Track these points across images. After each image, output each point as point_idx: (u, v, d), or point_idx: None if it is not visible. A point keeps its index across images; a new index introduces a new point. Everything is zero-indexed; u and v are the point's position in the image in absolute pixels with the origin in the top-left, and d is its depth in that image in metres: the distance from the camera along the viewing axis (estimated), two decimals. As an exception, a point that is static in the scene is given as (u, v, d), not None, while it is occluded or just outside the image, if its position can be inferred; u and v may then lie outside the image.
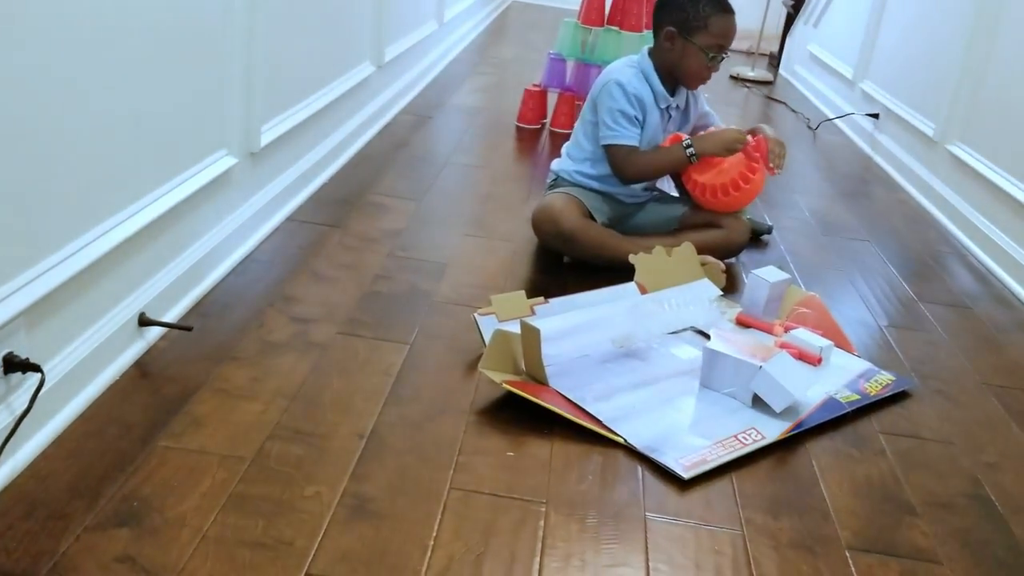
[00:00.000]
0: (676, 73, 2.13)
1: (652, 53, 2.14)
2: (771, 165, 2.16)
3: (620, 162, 2.09)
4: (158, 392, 1.41)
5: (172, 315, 1.60)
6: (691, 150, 2.10)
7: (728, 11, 2.10)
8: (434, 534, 1.18)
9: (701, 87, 2.21)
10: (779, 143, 2.18)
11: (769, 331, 1.81)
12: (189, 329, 1.56)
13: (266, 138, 1.96)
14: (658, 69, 2.12)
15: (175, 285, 1.61)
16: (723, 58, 2.11)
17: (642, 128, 2.11)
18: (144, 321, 1.49)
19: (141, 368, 1.46)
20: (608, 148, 2.09)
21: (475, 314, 1.67)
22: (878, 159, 3.46)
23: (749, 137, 2.14)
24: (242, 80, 1.81)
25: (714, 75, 2.18)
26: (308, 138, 2.29)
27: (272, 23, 1.92)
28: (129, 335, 1.46)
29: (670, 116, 2.18)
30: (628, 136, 2.08)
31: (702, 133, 2.18)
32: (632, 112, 2.08)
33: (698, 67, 2.10)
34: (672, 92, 2.15)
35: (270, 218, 2.06)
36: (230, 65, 1.75)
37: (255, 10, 1.80)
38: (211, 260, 1.75)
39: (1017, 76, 2.55)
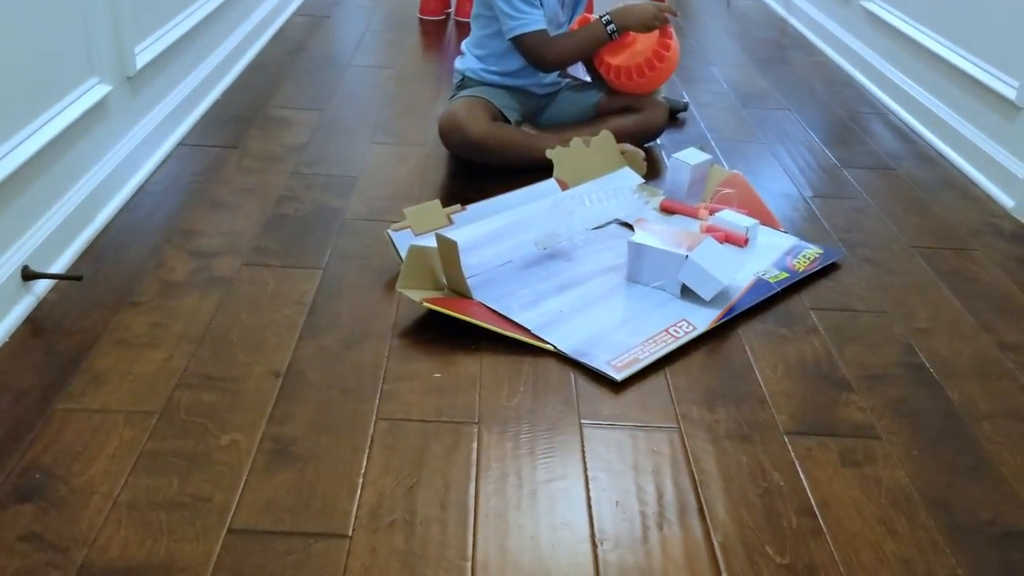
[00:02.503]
0: None
1: None
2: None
3: (537, 49, 1.97)
4: (52, 350, 1.31)
5: (61, 264, 1.48)
6: (612, 27, 2.00)
7: None
8: (362, 471, 1.13)
9: None
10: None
11: (694, 215, 1.76)
12: (79, 279, 1.44)
13: (142, 59, 1.81)
14: None
15: (60, 231, 1.49)
16: None
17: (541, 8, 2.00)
18: (29, 275, 1.38)
19: (32, 326, 1.36)
20: (518, 40, 1.96)
21: (389, 230, 1.58)
22: (793, 21, 3.39)
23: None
24: (105, -3, 1.65)
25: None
26: (191, 54, 2.13)
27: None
28: (13, 292, 1.35)
29: None
30: (534, 20, 1.95)
31: (620, 7, 2.06)
32: None
33: None
34: None
35: (159, 146, 1.91)
36: (88, -19, 1.59)
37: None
38: (97, 199, 1.62)
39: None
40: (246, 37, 2.53)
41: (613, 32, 2.00)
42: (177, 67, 2.04)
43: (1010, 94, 1.99)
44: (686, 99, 2.43)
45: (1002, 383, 1.39)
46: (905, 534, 1.09)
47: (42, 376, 1.25)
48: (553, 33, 2.02)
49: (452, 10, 3.19)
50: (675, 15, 2.02)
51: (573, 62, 2.10)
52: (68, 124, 1.50)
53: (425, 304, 1.41)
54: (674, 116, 2.31)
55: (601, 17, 2.00)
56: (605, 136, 1.90)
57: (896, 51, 2.57)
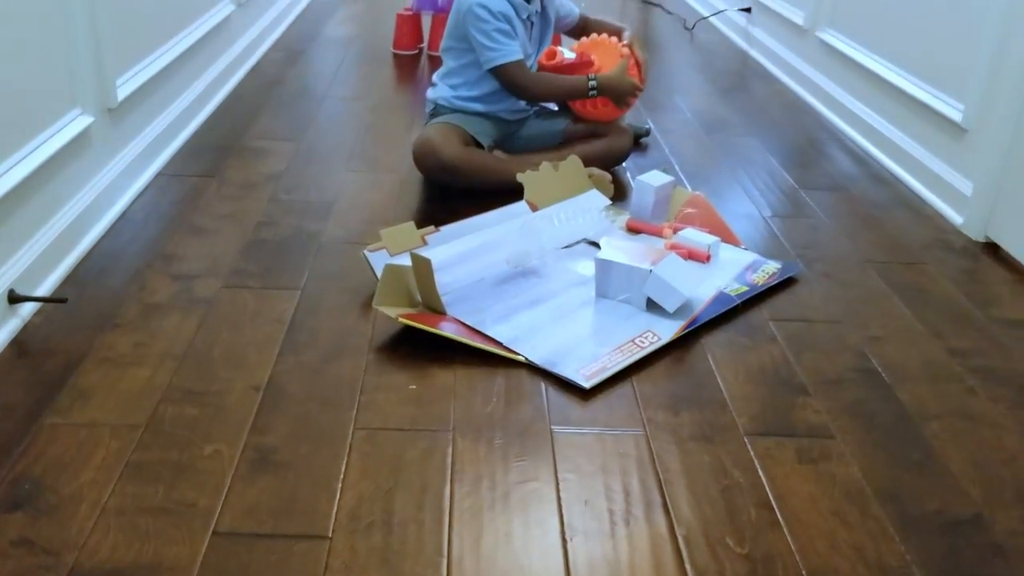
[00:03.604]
0: None
1: None
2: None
3: (515, 78, 2.05)
4: (39, 369, 1.35)
5: (45, 288, 1.53)
6: (593, 92, 2.08)
7: None
8: (341, 476, 1.18)
9: None
10: (644, 61, 2.19)
11: (659, 234, 1.84)
12: (64, 301, 1.49)
13: (123, 91, 1.87)
14: None
15: (44, 256, 1.53)
16: None
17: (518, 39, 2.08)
18: (14, 298, 1.42)
19: (18, 347, 1.40)
20: (498, 70, 2.04)
21: (365, 251, 1.64)
22: (754, 53, 3.50)
23: (623, 51, 2.14)
24: (87, 32, 1.71)
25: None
26: (171, 87, 2.19)
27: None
28: (0, 315, 1.39)
29: (532, 23, 2.15)
30: (512, 51, 2.04)
31: (607, 76, 2.10)
32: (506, 27, 2.04)
33: None
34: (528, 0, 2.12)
35: (140, 175, 1.97)
36: (72, 17, 1.65)
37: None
38: (80, 226, 1.67)
39: (876, -43, 2.59)
40: (224, 71, 2.60)
41: (593, 95, 2.09)
42: (157, 99, 2.10)
43: (956, 116, 2.09)
44: (649, 125, 2.52)
45: (950, 385, 1.46)
46: (857, 524, 1.16)
47: (30, 393, 1.30)
48: (528, 56, 2.12)
49: (424, 44, 3.28)
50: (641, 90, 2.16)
51: (546, 99, 2.19)
52: (52, 154, 1.56)
53: (401, 320, 1.47)
54: (638, 141, 2.40)
55: (589, 78, 2.08)
56: (573, 160, 1.97)
57: (850, 79, 2.68)
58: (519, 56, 2.04)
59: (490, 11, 2.03)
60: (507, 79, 2.05)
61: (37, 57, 1.54)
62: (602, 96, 2.10)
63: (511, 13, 2.06)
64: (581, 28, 2.32)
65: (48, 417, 1.25)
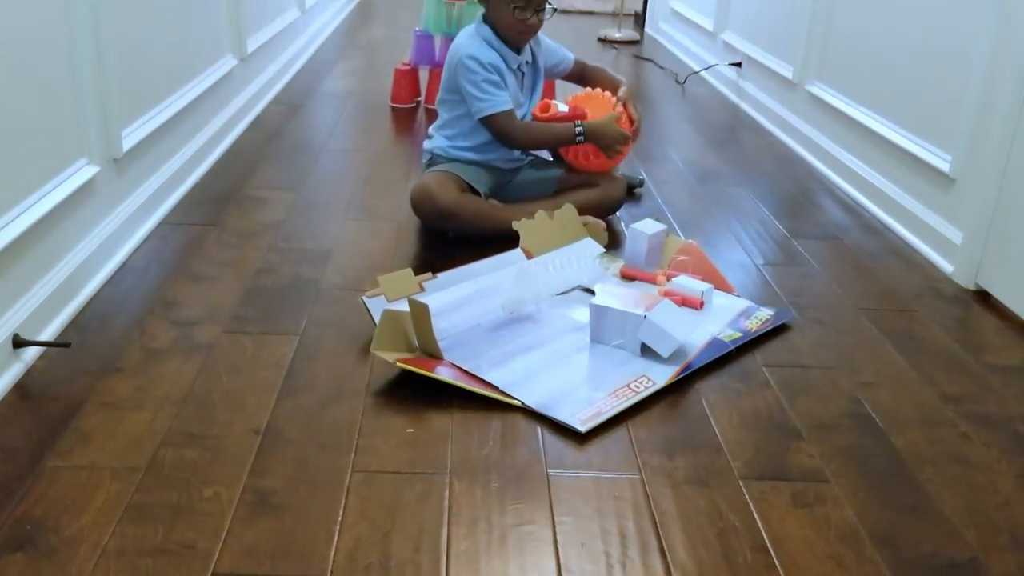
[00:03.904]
0: (499, 32, 2.15)
1: (485, 18, 2.16)
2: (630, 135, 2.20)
3: (505, 128, 2.10)
4: (41, 413, 1.37)
5: (48, 333, 1.55)
6: (581, 138, 2.13)
7: None
8: (339, 518, 1.19)
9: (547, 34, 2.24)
10: (638, 117, 2.24)
11: (652, 281, 1.86)
12: (67, 345, 1.51)
13: (128, 142, 1.91)
14: (495, 32, 2.14)
15: (48, 302, 1.55)
16: (537, 11, 2.10)
17: (507, 90, 2.14)
18: (19, 343, 1.44)
19: (20, 391, 1.41)
20: (487, 120, 2.10)
21: (363, 297, 1.67)
22: (744, 106, 3.58)
23: (617, 109, 2.19)
24: (95, 84, 1.75)
25: (582, 38, 2.22)
26: (174, 138, 2.23)
27: (120, 23, 1.86)
28: (4, 359, 1.41)
29: (523, 73, 2.21)
30: (502, 101, 2.09)
31: (595, 124, 2.14)
32: (495, 78, 2.10)
33: (509, 22, 2.10)
34: (519, 51, 2.17)
35: (142, 224, 2.00)
36: (80, 69, 1.69)
37: (99, 13, 1.74)
38: (84, 273, 1.70)
39: (862, 15, 2.67)
40: (226, 123, 2.65)
41: (580, 140, 2.14)
42: (160, 150, 2.14)
43: (944, 167, 2.14)
44: (643, 176, 2.57)
45: (943, 430, 1.48)
46: (853, 567, 1.16)
47: (31, 436, 1.31)
48: (520, 106, 2.17)
49: (422, 98, 3.34)
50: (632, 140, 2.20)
51: (536, 147, 2.24)
52: (59, 202, 1.59)
53: (398, 364, 1.48)
54: (631, 191, 2.44)
55: (576, 125, 2.13)
56: (568, 209, 2.01)
57: (840, 131, 2.74)
58: (508, 106, 2.10)
59: (480, 62, 2.08)
60: (496, 129, 2.10)
61: (46, 108, 1.58)
62: (589, 143, 2.15)
63: (501, 64, 2.12)
64: (578, 75, 2.37)
65: (50, 460, 1.26)
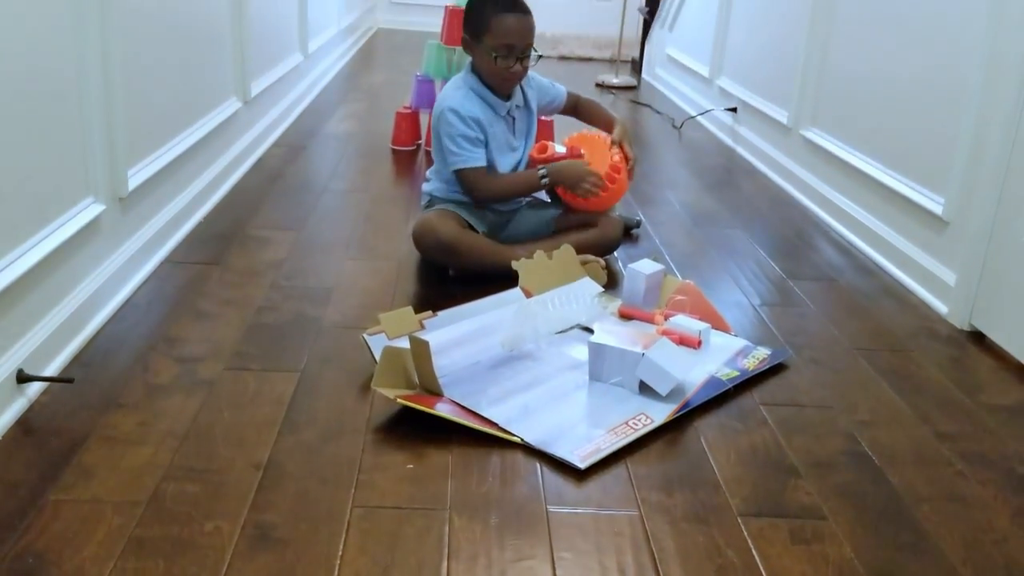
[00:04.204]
0: (485, 80, 2.17)
1: (473, 66, 2.19)
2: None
3: (471, 184, 2.13)
4: (44, 447, 1.37)
5: (52, 368, 1.56)
6: (545, 180, 2.16)
7: (510, 10, 2.10)
8: (340, 553, 1.19)
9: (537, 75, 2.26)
10: (633, 157, 2.26)
11: (650, 320, 1.88)
12: (71, 381, 1.52)
13: (134, 182, 1.93)
14: (482, 80, 2.16)
15: (53, 338, 1.57)
16: (520, 58, 2.11)
17: (487, 144, 2.15)
18: (23, 377, 1.45)
19: (24, 426, 1.42)
20: (458, 173, 2.13)
21: (364, 334, 1.68)
22: (740, 150, 3.63)
23: (614, 155, 2.21)
24: (103, 124, 1.78)
25: (580, 83, 2.26)
26: (178, 178, 2.27)
27: (129, 66, 1.89)
28: (8, 393, 1.42)
29: (514, 118, 2.22)
30: (474, 158, 2.11)
31: (557, 165, 2.17)
32: (472, 134, 2.11)
33: (493, 70, 2.12)
34: (508, 95, 2.20)
35: (146, 262, 2.02)
36: (89, 110, 1.72)
37: (109, 56, 1.78)
38: (88, 309, 1.71)
39: (853, 63, 2.72)
40: (228, 165, 2.69)
41: (545, 185, 2.17)
42: (165, 190, 2.17)
43: (937, 210, 2.17)
44: (640, 216, 2.60)
45: (939, 469, 1.49)
46: (851, 603, 1.17)
47: (34, 470, 1.31)
48: (509, 156, 2.19)
49: (422, 141, 3.39)
50: (600, 188, 2.17)
51: (502, 200, 2.21)
52: (65, 239, 1.61)
53: (399, 400, 1.50)
54: (628, 232, 2.47)
55: (539, 169, 2.16)
56: (566, 249, 2.04)
57: (834, 174, 2.78)
58: (480, 164, 2.12)
59: (460, 116, 2.10)
60: (466, 183, 2.13)
61: (56, 147, 1.61)
62: (554, 185, 2.17)
63: (485, 116, 2.13)
64: (571, 108, 2.39)
65: (52, 493, 1.26)
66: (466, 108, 2.12)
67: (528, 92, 2.27)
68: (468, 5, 2.19)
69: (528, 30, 2.12)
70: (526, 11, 2.13)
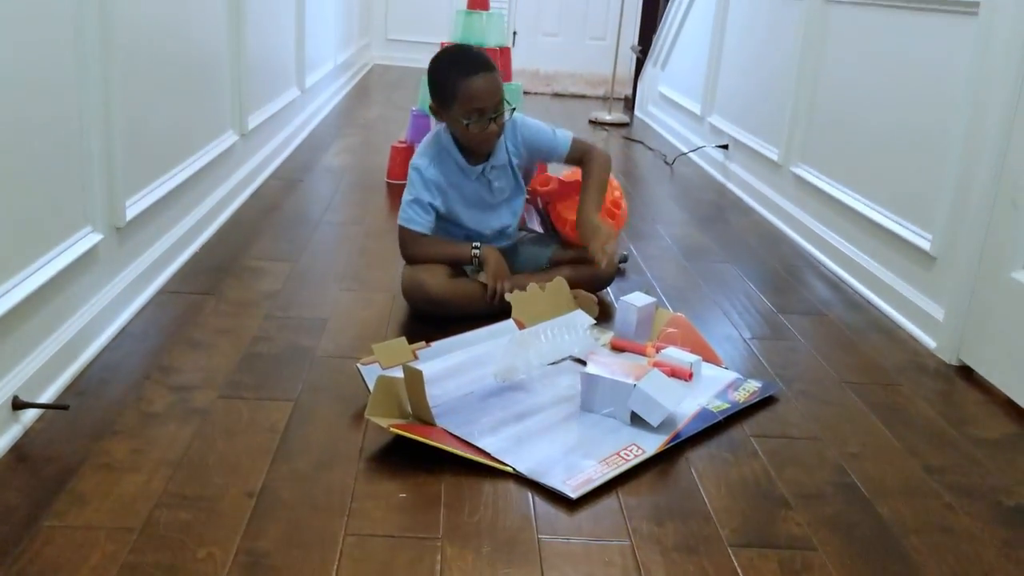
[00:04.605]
0: (459, 143, 2.12)
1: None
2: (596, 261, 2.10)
3: (404, 243, 2.12)
4: (38, 474, 1.38)
5: (48, 396, 1.57)
6: (476, 257, 2.10)
7: (474, 72, 2.02)
8: (332, 580, 1.20)
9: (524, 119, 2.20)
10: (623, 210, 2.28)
11: (642, 352, 1.90)
12: (66, 408, 1.53)
13: (132, 212, 1.95)
14: (456, 140, 2.12)
15: (48, 365, 1.58)
16: (492, 118, 2.04)
17: (446, 205, 2.12)
18: (18, 404, 1.46)
19: (18, 452, 1.43)
20: (399, 227, 2.12)
21: (358, 364, 1.70)
22: (731, 186, 3.67)
23: (615, 191, 2.24)
24: (102, 155, 1.80)
25: (573, 120, 2.28)
26: (175, 209, 2.29)
27: (129, 98, 1.92)
28: (3, 420, 1.43)
29: (489, 180, 2.16)
30: (418, 223, 2.10)
31: (486, 250, 2.11)
32: (427, 199, 2.09)
33: (467, 135, 2.07)
34: (488, 155, 2.14)
35: (141, 292, 2.03)
36: (88, 142, 1.75)
37: (109, 87, 1.80)
38: (83, 338, 1.73)
39: (842, 103, 2.77)
40: (225, 197, 2.71)
41: (475, 258, 2.10)
42: (162, 220, 2.19)
43: (925, 245, 2.20)
44: (627, 252, 2.63)
45: (927, 501, 1.50)
46: (840, 633, 1.18)
47: (27, 497, 1.32)
48: (481, 214, 2.17)
49: (417, 174, 3.41)
50: (510, 291, 2.04)
51: (426, 263, 2.10)
52: (62, 268, 1.62)
53: (392, 429, 1.51)
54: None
55: (473, 246, 2.11)
56: (559, 282, 2.06)
57: (824, 211, 2.81)
58: (422, 229, 2.10)
59: (421, 176, 2.10)
60: (401, 240, 2.12)
61: (55, 177, 1.63)
62: (481, 266, 2.10)
63: (447, 179, 2.11)
64: (577, 161, 2.22)
65: (46, 520, 1.27)
66: (430, 171, 2.10)
67: (511, 148, 2.17)
68: (430, 75, 2.11)
69: (496, 88, 2.04)
70: (490, 68, 2.05)
